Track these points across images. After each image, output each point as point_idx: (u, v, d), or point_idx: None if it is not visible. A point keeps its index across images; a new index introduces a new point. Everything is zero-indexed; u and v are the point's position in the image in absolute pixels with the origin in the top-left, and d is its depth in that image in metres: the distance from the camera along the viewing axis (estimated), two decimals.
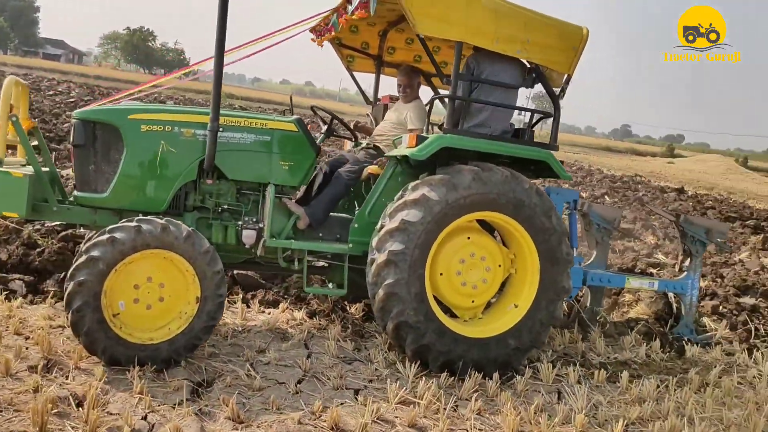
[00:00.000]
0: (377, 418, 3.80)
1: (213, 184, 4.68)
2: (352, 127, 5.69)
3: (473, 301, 4.79)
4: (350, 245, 4.85)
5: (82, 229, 6.04)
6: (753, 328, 6.39)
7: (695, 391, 4.83)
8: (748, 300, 7.50)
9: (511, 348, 4.65)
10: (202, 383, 4.02)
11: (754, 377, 5.35)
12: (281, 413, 3.73)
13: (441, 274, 4.66)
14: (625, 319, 6.42)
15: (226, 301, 4.49)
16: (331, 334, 4.93)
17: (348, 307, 5.82)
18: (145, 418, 3.48)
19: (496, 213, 4.58)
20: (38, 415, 3.19)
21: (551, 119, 5.07)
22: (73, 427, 3.27)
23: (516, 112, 5.24)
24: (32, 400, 3.45)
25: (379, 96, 6.32)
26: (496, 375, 4.52)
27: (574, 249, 5.56)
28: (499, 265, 4.80)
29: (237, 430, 3.51)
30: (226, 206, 4.74)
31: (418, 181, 4.57)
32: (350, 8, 4.69)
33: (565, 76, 4.93)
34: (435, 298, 4.62)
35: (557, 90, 4.98)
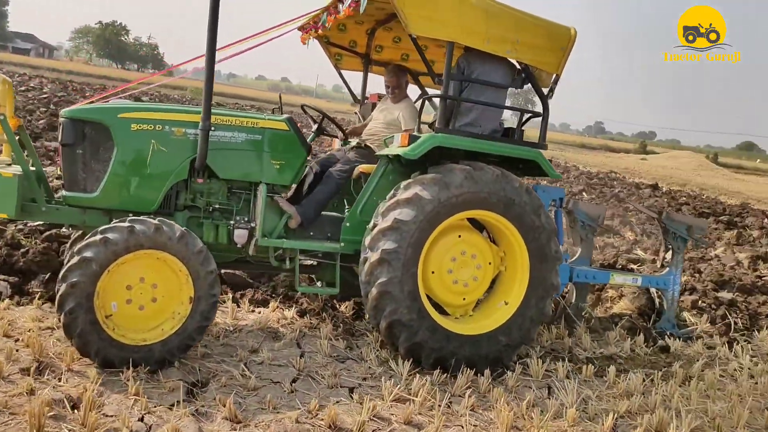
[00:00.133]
0: (373, 416, 3.82)
1: (204, 184, 4.66)
2: (347, 133, 5.70)
3: (464, 299, 4.84)
4: (342, 244, 4.86)
5: (65, 229, 5.99)
6: (732, 322, 6.54)
7: (680, 385, 4.94)
8: (725, 294, 7.67)
9: (501, 345, 4.71)
10: (197, 384, 4.00)
11: (735, 370, 5.48)
12: (278, 412, 3.74)
13: (433, 272, 4.70)
14: (609, 315, 6.53)
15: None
16: (322, 333, 4.95)
17: (338, 306, 5.83)
18: (141, 419, 3.47)
19: (487, 211, 4.63)
20: (35, 418, 3.15)
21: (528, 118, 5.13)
22: (70, 430, 3.25)
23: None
24: (27, 403, 3.41)
25: (367, 94, 6.33)
26: (487, 371, 4.58)
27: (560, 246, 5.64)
28: (489, 263, 4.85)
29: (235, 430, 3.51)
30: (217, 205, 4.72)
31: (410, 180, 4.60)
32: (341, 7, 4.69)
33: (554, 76, 4.99)
34: (427, 296, 4.66)
35: (546, 90, 5.03)
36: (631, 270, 8.12)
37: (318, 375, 4.32)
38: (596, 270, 6.15)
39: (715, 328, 6.54)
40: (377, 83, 6.95)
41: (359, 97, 6.32)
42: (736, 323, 6.62)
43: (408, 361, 4.50)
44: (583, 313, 6.16)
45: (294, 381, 4.20)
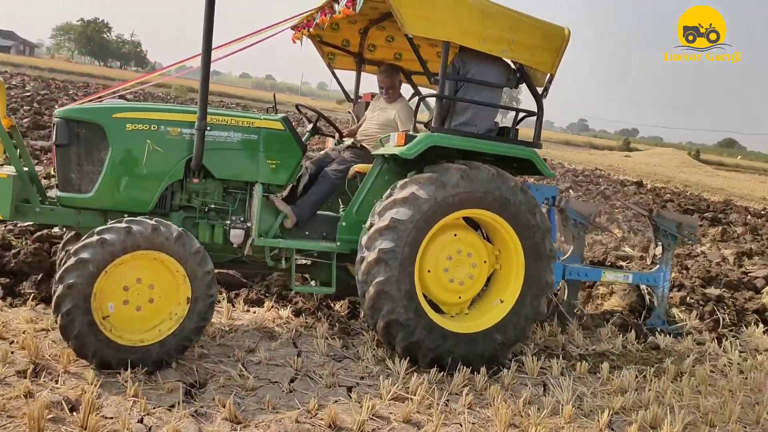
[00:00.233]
0: (373, 415, 3.83)
1: (199, 184, 4.65)
2: (344, 135, 5.70)
3: (460, 297, 4.86)
4: (338, 243, 4.87)
5: (56, 229, 5.93)
6: (721, 319, 6.63)
7: (672, 380, 5.00)
8: (713, 291, 7.77)
9: (497, 343, 4.74)
10: (195, 384, 3.99)
11: (724, 365, 5.56)
12: (278, 412, 3.74)
13: (429, 271, 4.71)
14: (600, 312, 6.60)
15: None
16: (319, 332, 4.95)
17: (332, 305, 5.83)
18: (141, 421, 3.45)
19: (483, 210, 4.66)
20: (34, 421, 3.13)
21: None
22: None
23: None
24: (25, 406, 3.39)
25: (360, 93, 6.33)
26: (483, 369, 4.61)
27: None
28: (485, 262, 4.88)
29: (235, 430, 3.51)
30: (212, 205, 4.71)
31: (406, 180, 4.61)
32: (337, 7, 4.69)
33: (548, 75, 5.02)
34: (423, 294, 4.67)
35: (540, 89, 5.06)
36: (621, 267, 8.22)
37: (315, 374, 4.33)
38: (588, 267, 6.21)
39: (704, 324, 6.62)
40: (370, 82, 6.96)
41: (352, 97, 6.32)
42: (723, 319, 6.71)
43: (405, 359, 4.52)
44: (575, 311, 6.21)
45: (292, 381, 4.20)
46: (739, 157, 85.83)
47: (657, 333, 6.09)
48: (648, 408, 4.34)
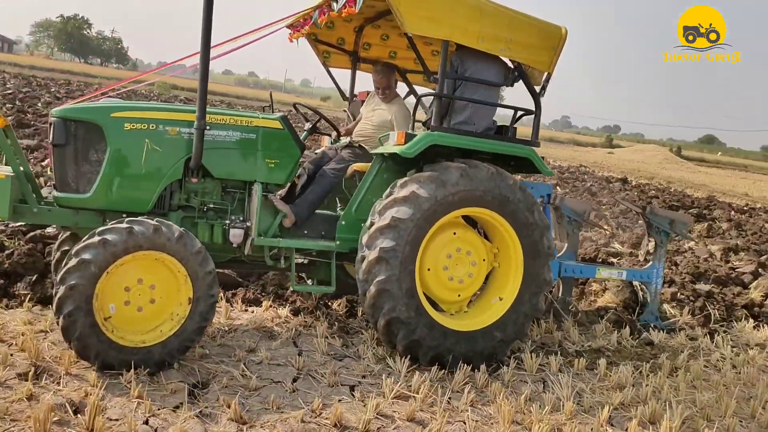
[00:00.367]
0: (377, 414, 3.84)
1: (198, 183, 4.62)
2: (342, 133, 5.69)
3: (459, 295, 4.88)
4: (338, 242, 4.87)
5: (50, 229, 5.87)
6: (713, 314, 6.72)
7: (667, 376, 5.06)
8: (702, 286, 7.88)
9: (496, 340, 4.77)
10: (198, 385, 3.98)
11: (717, 360, 5.63)
12: (282, 412, 3.73)
13: (428, 269, 4.73)
14: (594, 308, 6.66)
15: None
16: (318, 331, 4.95)
17: (330, 304, 5.83)
18: (146, 422, 3.43)
19: (483, 209, 4.68)
20: (40, 424, 3.11)
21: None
22: None
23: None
24: (28, 409, 3.37)
25: (356, 92, 6.32)
26: (483, 366, 4.63)
27: None
28: (484, 260, 4.91)
29: (241, 431, 3.50)
30: (211, 205, 4.69)
31: (406, 178, 4.62)
32: (336, 6, 4.68)
33: (546, 74, 5.05)
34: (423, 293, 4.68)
35: (538, 88, 5.09)
36: (612, 264, 8.30)
37: (318, 374, 4.33)
38: (583, 265, 6.27)
39: (695, 320, 6.70)
40: (365, 81, 6.95)
41: (348, 95, 6.31)
42: (713, 314, 6.80)
43: (405, 358, 4.53)
44: (569, 307, 6.27)
45: (295, 380, 4.20)
46: (720, 153, 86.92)
47: (651, 329, 6.16)
48: (646, 403, 4.39)
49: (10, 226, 5.91)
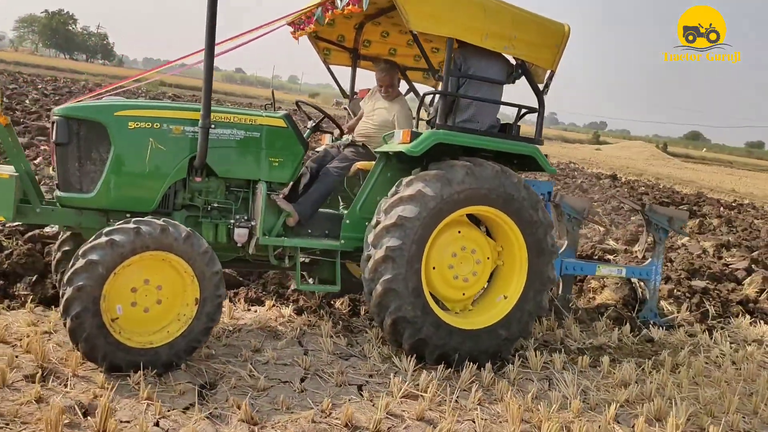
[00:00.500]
0: (386, 413, 3.83)
1: (202, 182, 4.58)
2: (345, 130, 5.67)
3: (464, 294, 4.89)
4: (342, 241, 4.85)
5: (47, 229, 5.81)
6: (711, 311, 6.77)
7: (670, 372, 5.10)
8: (698, 282, 7.94)
9: (501, 338, 4.78)
10: (206, 385, 3.95)
11: (717, 357, 5.68)
12: (292, 413, 3.72)
13: (434, 267, 4.73)
14: (594, 305, 6.69)
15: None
16: (323, 330, 4.93)
17: (333, 303, 5.82)
18: (157, 424, 3.41)
19: (488, 207, 4.68)
20: (51, 426, 3.08)
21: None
22: None
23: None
24: (38, 411, 3.33)
25: (356, 89, 6.30)
26: (488, 365, 4.64)
27: None
28: (488, 258, 4.91)
29: None
30: (215, 204, 4.65)
31: (412, 177, 4.61)
32: (340, 3, 4.66)
33: (549, 72, 5.06)
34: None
35: (541, 86, 5.10)
36: (608, 260, 8.34)
37: (325, 373, 4.32)
38: (583, 262, 6.30)
39: (693, 316, 6.75)
40: (365, 78, 6.93)
41: (348, 93, 6.29)
42: (710, 311, 6.86)
43: (411, 357, 4.53)
44: (570, 305, 6.29)
45: (302, 380, 4.19)
46: (704, 149, 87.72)
47: (650, 326, 6.20)
48: (652, 401, 4.42)
49: (8, 225, 5.84)
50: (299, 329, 5.03)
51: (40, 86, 27.67)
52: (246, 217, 4.65)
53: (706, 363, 5.49)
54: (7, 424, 3.18)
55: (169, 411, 3.54)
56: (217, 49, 4.50)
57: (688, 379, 4.96)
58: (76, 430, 3.23)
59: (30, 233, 5.72)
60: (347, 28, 6.05)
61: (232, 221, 4.61)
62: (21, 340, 4.13)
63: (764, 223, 15.97)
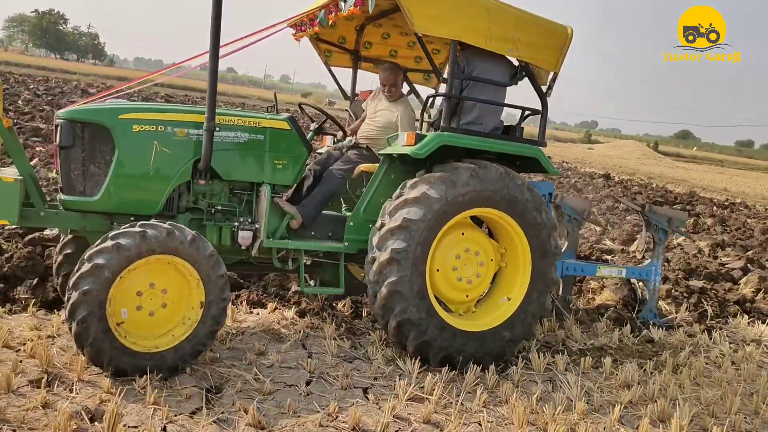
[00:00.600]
0: (393, 416, 3.83)
1: (206, 185, 4.57)
2: (348, 132, 5.66)
3: (467, 296, 4.89)
4: (346, 243, 4.84)
5: (47, 231, 5.78)
6: (709, 311, 6.81)
7: (671, 373, 5.12)
8: (696, 283, 7.98)
9: (505, 340, 4.79)
10: (211, 389, 3.94)
11: (717, 357, 5.71)
12: (299, 416, 3.71)
13: (438, 270, 4.73)
14: (594, 306, 6.71)
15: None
16: (327, 333, 4.92)
17: (335, 305, 5.81)
18: (164, 429, 3.40)
19: (492, 209, 4.68)
20: None
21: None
22: None
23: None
24: (44, 417, 3.31)
25: (357, 91, 6.29)
26: (492, 367, 4.65)
27: None
28: (491, 260, 4.92)
29: None
30: (219, 207, 4.64)
31: (416, 179, 4.61)
32: (344, 5, 4.65)
33: (552, 74, 5.07)
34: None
35: (544, 88, 5.11)
36: (606, 261, 8.37)
37: (330, 376, 4.31)
38: (584, 263, 6.32)
39: (691, 316, 6.79)
40: (366, 80, 6.92)
41: (349, 94, 6.28)
42: (706, 310, 6.90)
43: (416, 359, 4.53)
44: (570, 306, 6.31)
45: (308, 383, 4.18)
46: (695, 148, 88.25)
47: (650, 326, 6.22)
48: (655, 402, 4.44)
49: (7, 228, 5.80)
50: (302, 332, 5.02)
51: (31, 86, 27.49)
52: (250, 220, 4.64)
53: (707, 363, 5.51)
54: (15, 431, 3.16)
55: (176, 416, 3.53)
56: (222, 51, 4.50)
57: (690, 380, 4.99)
58: None
59: (30, 236, 5.68)
60: (348, 29, 6.04)
61: (235, 224, 4.60)
62: (24, 344, 4.11)
63: (757, 222, 16.07)
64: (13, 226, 5.76)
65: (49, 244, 5.58)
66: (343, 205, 5.56)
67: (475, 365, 4.59)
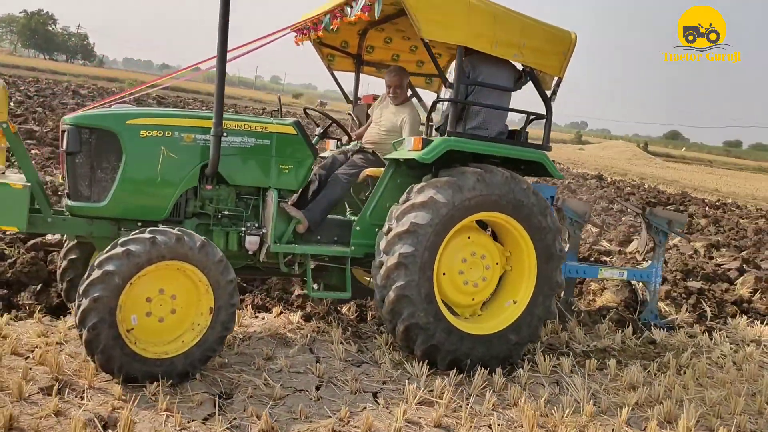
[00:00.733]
0: (404, 421, 3.84)
1: (213, 190, 4.56)
2: (354, 137, 5.67)
3: (473, 299, 4.91)
4: (352, 248, 4.85)
5: (49, 237, 5.75)
6: (708, 312, 6.87)
7: (675, 374, 5.16)
8: (694, 283, 8.05)
9: (511, 343, 4.81)
10: (221, 395, 3.94)
11: (719, 358, 5.76)
12: (311, 422, 3.71)
13: (444, 273, 4.75)
14: (595, 308, 6.75)
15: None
16: (333, 337, 4.93)
17: (340, 309, 5.81)
18: None
19: (498, 213, 4.70)
20: None
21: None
22: None
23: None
24: (58, 425, 3.30)
25: (360, 95, 6.30)
26: (499, 370, 4.66)
27: None
28: (497, 263, 4.94)
29: None
30: (226, 212, 4.63)
31: (423, 184, 4.63)
32: (351, 11, 4.66)
33: (556, 78, 5.10)
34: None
35: (549, 93, 5.14)
36: (604, 262, 8.43)
37: (339, 381, 4.31)
38: (586, 265, 6.36)
39: (691, 317, 6.84)
40: (367, 84, 6.93)
41: (352, 98, 6.29)
42: (706, 311, 6.95)
43: (423, 363, 4.54)
44: (572, 308, 6.35)
45: (318, 388, 4.18)
46: (684, 148, 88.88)
47: (651, 327, 6.27)
48: (661, 403, 4.47)
49: (9, 234, 5.76)
50: (309, 336, 5.02)
51: (22, 88, 27.32)
52: (257, 225, 4.64)
53: (708, 364, 5.56)
54: None
55: (189, 422, 3.52)
56: (229, 56, 4.50)
57: (693, 381, 5.03)
58: None
59: (32, 241, 5.65)
60: (351, 34, 6.06)
61: (242, 229, 4.60)
62: (33, 351, 4.09)
63: (750, 222, 16.22)
64: (14, 232, 5.72)
65: (51, 249, 5.55)
66: (347, 209, 5.57)
67: (482, 368, 4.61)
